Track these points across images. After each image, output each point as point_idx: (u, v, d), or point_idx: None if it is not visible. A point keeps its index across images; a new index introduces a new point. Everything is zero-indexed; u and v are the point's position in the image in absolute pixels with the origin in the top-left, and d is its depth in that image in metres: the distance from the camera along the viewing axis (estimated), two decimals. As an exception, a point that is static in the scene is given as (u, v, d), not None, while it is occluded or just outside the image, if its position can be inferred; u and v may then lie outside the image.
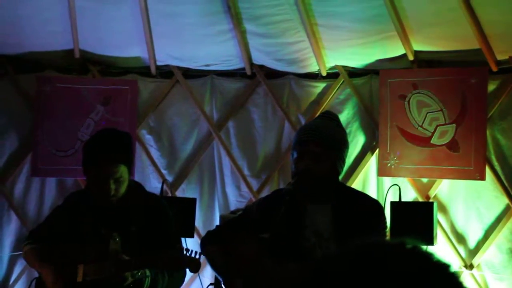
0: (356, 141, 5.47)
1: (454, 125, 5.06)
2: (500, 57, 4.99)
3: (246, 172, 5.70)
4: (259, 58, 5.66)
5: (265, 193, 5.28)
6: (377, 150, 5.37)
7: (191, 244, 4.45)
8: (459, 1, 4.64)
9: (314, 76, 5.64)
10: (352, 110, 5.52)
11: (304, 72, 5.64)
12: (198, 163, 5.79)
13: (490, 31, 4.81)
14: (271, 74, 5.73)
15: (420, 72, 5.24)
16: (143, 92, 5.85)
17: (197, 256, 3.03)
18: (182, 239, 3.51)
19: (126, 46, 5.75)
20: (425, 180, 5.30)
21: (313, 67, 5.57)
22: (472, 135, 4.99)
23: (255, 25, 5.42)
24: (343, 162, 2.93)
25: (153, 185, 5.63)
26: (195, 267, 3.05)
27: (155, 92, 5.87)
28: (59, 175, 5.73)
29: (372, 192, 5.31)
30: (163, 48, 5.69)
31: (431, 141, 5.12)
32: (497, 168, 5.04)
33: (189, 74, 5.85)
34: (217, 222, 5.44)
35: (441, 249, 4.99)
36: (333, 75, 5.58)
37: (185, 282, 3.40)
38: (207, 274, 5.40)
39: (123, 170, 3.11)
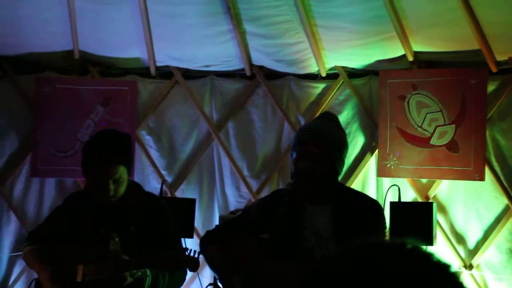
0: (356, 142, 5.47)
1: (453, 125, 5.06)
2: (499, 58, 4.99)
3: (245, 172, 5.70)
4: (258, 59, 5.66)
5: (264, 193, 5.28)
6: (377, 151, 5.37)
7: (191, 245, 4.44)
8: (458, 1, 4.64)
9: (314, 77, 5.64)
10: (352, 110, 5.52)
11: (304, 73, 5.65)
12: (197, 163, 5.79)
13: (489, 31, 4.82)
14: (271, 75, 5.74)
15: (419, 73, 5.24)
16: (143, 93, 5.86)
17: (196, 255, 3.03)
18: (182, 239, 3.51)
19: (125, 47, 5.75)
20: (424, 180, 5.30)
21: (313, 68, 5.58)
22: (472, 136, 4.99)
23: (254, 26, 5.43)
24: (343, 162, 2.93)
25: (153, 185, 5.64)
26: (194, 266, 3.05)
27: (155, 93, 5.87)
28: (59, 176, 5.73)
29: (371, 193, 5.31)
30: (162, 49, 5.69)
31: (431, 142, 5.12)
32: (497, 168, 5.04)
33: (189, 75, 5.85)
34: (216, 222, 5.44)
35: (441, 249, 4.99)
36: (332, 76, 5.58)
37: (184, 282, 3.40)
38: (207, 274, 5.40)
39: (122, 171, 3.11)
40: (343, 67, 5.52)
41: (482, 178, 4.96)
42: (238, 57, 5.65)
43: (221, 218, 5.26)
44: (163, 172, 5.76)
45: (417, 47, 5.17)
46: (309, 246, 2.85)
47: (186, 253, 3.05)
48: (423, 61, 5.27)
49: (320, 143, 2.82)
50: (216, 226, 3.39)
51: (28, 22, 5.41)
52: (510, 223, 4.99)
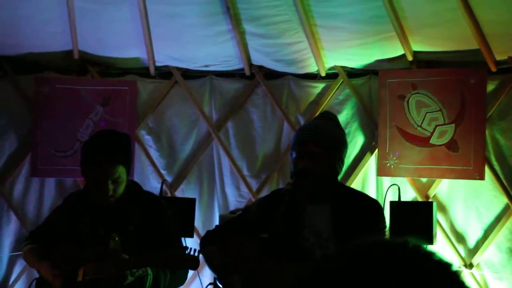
0: (356, 141, 5.47)
1: (453, 125, 5.06)
2: (499, 57, 4.99)
3: (245, 172, 5.70)
4: (258, 58, 5.66)
5: (264, 193, 5.28)
6: (377, 150, 5.37)
7: (191, 244, 4.44)
8: (458, 1, 4.64)
9: (313, 77, 5.64)
10: (351, 110, 5.52)
11: (303, 72, 5.65)
12: (197, 163, 5.79)
13: (489, 31, 4.82)
14: (270, 75, 5.74)
15: (419, 73, 5.24)
16: (142, 92, 5.86)
17: (196, 254, 3.04)
18: (182, 238, 3.51)
19: (125, 47, 5.75)
20: (424, 180, 5.30)
21: (312, 68, 5.58)
22: (471, 135, 4.99)
23: (254, 26, 5.43)
24: (342, 162, 2.94)
25: (153, 185, 5.64)
26: (194, 265, 3.05)
27: (154, 92, 5.87)
28: (58, 176, 5.73)
29: (371, 192, 5.31)
30: (162, 49, 5.69)
31: (430, 141, 5.12)
32: (497, 168, 5.04)
33: (188, 74, 5.85)
34: (216, 222, 5.44)
35: (441, 248, 4.99)
36: (332, 76, 5.58)
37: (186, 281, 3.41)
38: (207, 274, 5.40)
39: (121, 170, 3.11)
40: (343, 67, 5.52)
41: (482, 177, 4.96)
42: (238, 57, 5.65)
43: (221, 217, 5.26)
44: (163, 172, 5.76)
45: (416, 47, 5.17)
46: (309, 246, 2.85)
47: (186, 252, 3.06)
48: (423, 61, 5.27)
49: (320, 143, 2.82)
50: (216, 226, 3.39)
51: (28, 22, 5.41)
52: (510, 222, 4.99)
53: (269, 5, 5.20)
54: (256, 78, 5.74)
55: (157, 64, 5.79)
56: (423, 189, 5.28)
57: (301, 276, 1.02)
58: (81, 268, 3.05)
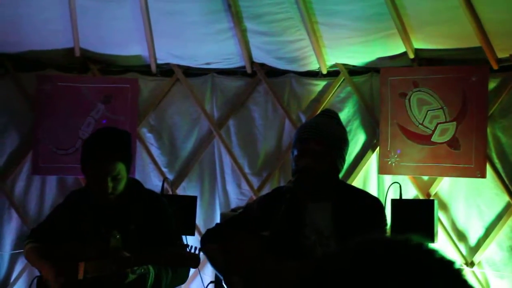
0: (357, 139, 5.46)
1: (454, 123, 5.06)
2: (500, 55, 4.98)
3: (246, 170, 5.70)
4: (259, 56, 5.66)
5: (265, 191, 5.27)
6: (378, 148, 5.37)
7: (192, 242, 4.44)
8: (459, -1, 4.64)
9: (315, 74, 5.64)
10: (353, 108, 5.52)
11: (305, 70, 5.64)
12: (198, 161, 5.79)
13: (490, 29, 4.81)
14: (272, 73, 5.73)
15: (420, 70, 5.24)
16: (144, 90, 5.86)
17: (197, 252, 3.04)
18: (183, 236, 3.51)
19: (126, 45, 5.75)
20: (425, 177, 5.30)
21: (314, 65, 5.57)
22: (473, 133, 4.99)
23: (255, 24, 5.42)
24: (343, 160, 2.94)
25: (154, 183, 5.64)
26: (195, 263, 3.06)
27: (156, 90, 5.87)
28: (60, 174, 5.73)
29: (372, 190, 5.31)
30: (163, 47, 5.69)
31: (432, 139, 5.12)
32: (498, 165, 5.04)
33: (190, 72, 5.85)
34: (217, 220, 5.44)
35: (442, 247, 4.99)
36: (333, 73, 5.58)
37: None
38: (208, 272, 5.40)
39: (121, 167, 3.11)
40: (344, 65, 5.52)
41: (483, 175, 4.96)
42: (239, 54, 5.65)
43: (222, 215, 5.26)
44: (164, 170, 5.76)
45: (418, 45, 5.16)
46: (310, 244, 2.85)
47: (187, 250, 3.06)
48: (424, 59, 5.26)
49: (321, 141, 2.82)
50: (217, 224, 3.39)
51: (29, 19, 5.41)
52: (511, 220, 4.99)
53: (271, 2, 5.20)
54: (258, 76, 5.74)
55: (159, 61, 5.79)
56: (425, 187, 5.27)
57: (303, 274, 1.02)
58: (81, 264, 3.05)
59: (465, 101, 5.03)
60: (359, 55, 5.41)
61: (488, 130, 5.01)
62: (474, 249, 5.09)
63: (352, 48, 5.36)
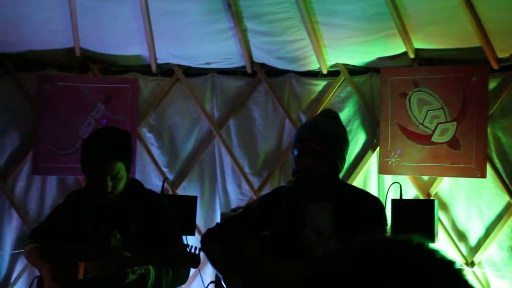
0: (357, 139, 5.46)
1: (455, 123, 5.06)
2: (501, 55, 4.98)
3: (247, 170, 5.70)
4: (259, 56, 5.66)
5: (266, 191, 5.27)
6: (378, 148, 5.37)
7: (192, 242, 4.44)
8: (459, -2, 4.64)
9: (315, 74, 5.64)
10: (353, 108, 5.52)
11: (305, 70, 5.64)
12: (199, 161, 5.79)
13: (490, 28, 4.81)
14: (272, 72, 5.73)
15: (421, 70, 5.24)
16: (144, 90, 5.86)
17: (197, 252, 3.03)
18: (183, 236, 3.51)
19: (126, 45, 5.75)
20: (426, 177, 5.30)
21: (314, 65, 5.57)
22: (473, 133, 4.99)
23: (255, 23, 5.42)
24: (344, 160, 2.94)
25: (154, 183, 5.64)
26: (195, 263, 3.06)
27: (156, 90, 5.87)
28: (60, 173, 5.73)
29: (373, 190, 5.31)
30: (163, 47, 5.69)
31: (432, 139, 5.12)
32: (498, 165, 5.04)
33: (190, 72, 5.85)
34: (218, 220, 5.44)
35: (442, 247, 4.99)
36: (333, 73, 5.58)
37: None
38: (208, 272, 5.40)
39: (120, 167, 3.11)
40: (344, 65, 5.52)
41: (483, 175, 4.95)
42: (239, 54, 5.65)
43: (222, 215, 5.26)
44: (165, 170, 5.76)
45: (418, 44, 5.16)
46: (310, 244, 2.85)
47: (187, 250, 3.06)
48: (424, 58, 5.26)
49: (321, 141, 2.82)
50: (217, 223, 3.38)
51: (29, 19, 5.41)
52: (511, 221, 4.99)
53: (271, 2, 5.20)
54: (258, 75, 5.74)
55: (159, 61, 5.79)
56: (425, 187, 5.27)
57: (303, 274, 1.01)
58: (81, 264, 3.05)
59: (466, 101, 5.03)
60: (359, 55, 5.41)
61: (489, 130, 5.01)
62: (474, 249, 5.09)
63: (352, 48, 5.36)
